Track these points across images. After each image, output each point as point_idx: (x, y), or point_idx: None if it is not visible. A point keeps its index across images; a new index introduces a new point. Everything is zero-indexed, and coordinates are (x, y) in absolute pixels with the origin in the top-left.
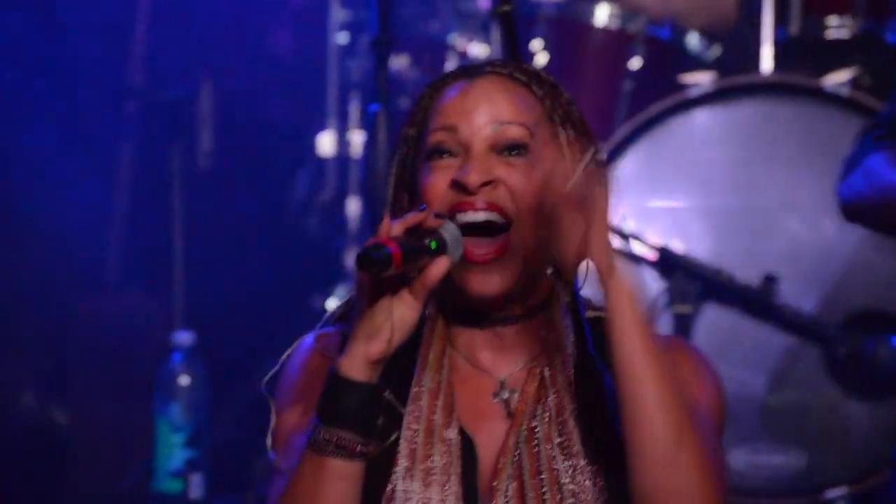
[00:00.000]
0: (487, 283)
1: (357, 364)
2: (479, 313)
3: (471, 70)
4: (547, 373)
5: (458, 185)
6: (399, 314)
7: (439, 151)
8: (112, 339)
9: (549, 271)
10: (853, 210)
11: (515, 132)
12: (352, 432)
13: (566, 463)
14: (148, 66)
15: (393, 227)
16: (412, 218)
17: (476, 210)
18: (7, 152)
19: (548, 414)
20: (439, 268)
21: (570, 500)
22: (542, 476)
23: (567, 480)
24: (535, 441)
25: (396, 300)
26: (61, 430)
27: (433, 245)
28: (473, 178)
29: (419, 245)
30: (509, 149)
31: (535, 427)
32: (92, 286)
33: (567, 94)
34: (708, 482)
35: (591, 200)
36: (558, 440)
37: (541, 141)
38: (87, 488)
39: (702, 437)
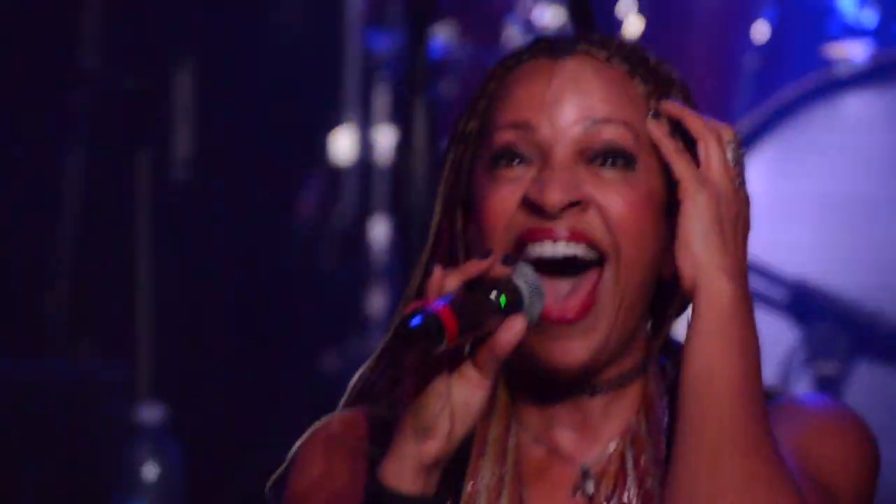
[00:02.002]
0: (570, 351)
1: (407, 470)
2: (556, 383)
3: (556, 46)
4: (632, 454)
5: (531, 205)
6: (461, 398)
7: (508, 156)
8: (59, 417)
9: (648, 324)
10: None
11: (613, 133)
12: None
13: None
14: (105, 46)
15: (446, 281)
16: (472, 267)
17: (555, 240)
18: None
19: None
20: (514, 332)
21: None
22: None
23: None
24: None
25: (456, 379)
26: None
27: (503, 301)
28: (554, 197)
29: (483, 304)
30: (604, 156)
31: None
32: (31, 346)
33: (685, 85)
34: None
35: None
36: None
37: (647, 146)
38: None
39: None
